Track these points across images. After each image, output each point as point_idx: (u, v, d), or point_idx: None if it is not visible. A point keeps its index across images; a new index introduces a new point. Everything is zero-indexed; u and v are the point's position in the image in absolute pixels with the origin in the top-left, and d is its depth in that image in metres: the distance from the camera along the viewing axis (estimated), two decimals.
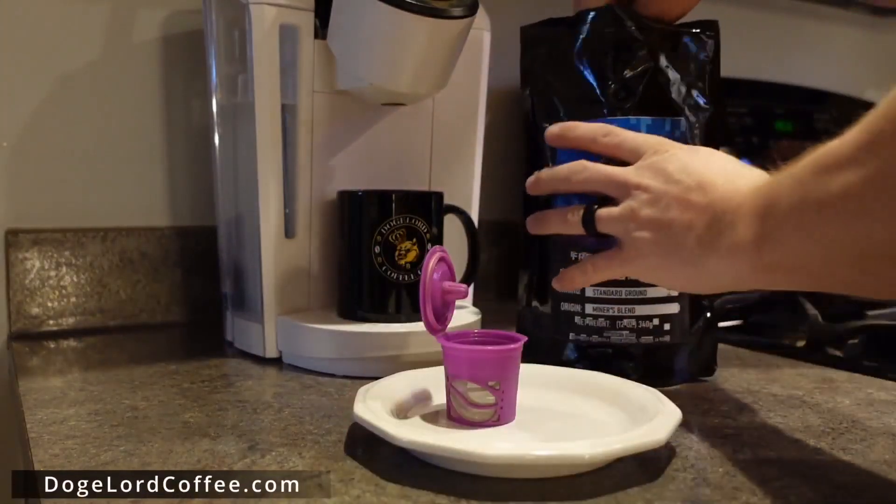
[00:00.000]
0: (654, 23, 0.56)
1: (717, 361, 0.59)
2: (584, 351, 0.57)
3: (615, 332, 0.56)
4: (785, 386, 0.57)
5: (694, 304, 0.57)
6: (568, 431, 0.44)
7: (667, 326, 0.56)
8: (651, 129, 0.54)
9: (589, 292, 0.56)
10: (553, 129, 0.54)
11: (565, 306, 0.58)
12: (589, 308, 0.56)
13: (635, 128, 0.54)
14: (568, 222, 0.52)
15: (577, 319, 0.57)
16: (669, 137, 0.53)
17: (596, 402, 0.48)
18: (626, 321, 0.55)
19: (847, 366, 0.62)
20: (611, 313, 0.56)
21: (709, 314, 0.58)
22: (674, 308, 0.56)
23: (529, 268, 0.62)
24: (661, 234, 0.46)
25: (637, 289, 0.55)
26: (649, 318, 0.55)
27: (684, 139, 0.55)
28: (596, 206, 0.50)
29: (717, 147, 0.58)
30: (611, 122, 0.54)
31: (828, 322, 0.71)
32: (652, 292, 0.55)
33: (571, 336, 0.57)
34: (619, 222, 0.49)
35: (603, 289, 0.55)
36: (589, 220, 0.51)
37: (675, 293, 0.56)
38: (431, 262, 0.47)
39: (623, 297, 0.55)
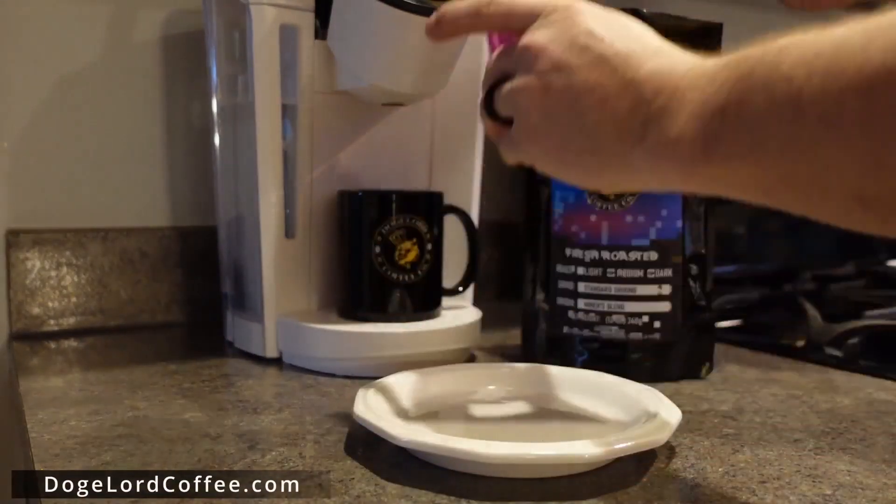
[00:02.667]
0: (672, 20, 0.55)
1: (713, 362, 0.59)
2: (577, 345, 0.58)
3: (605, 327, 0.57)
4: (785, 386, 0.57)
5: (688, 303, 0.57)
6: (568, 431, 0.44)
7: (657, 324, 0.56)
8: None
9: (581, 288, 0.58)
10: (430, 21, 0.44)
11: (560, 301, 0.59)
12: (581, 303, 0.58)
13: None
14: (482, 117, 0.43)
15: (570, 314, 0.58)
16: None
17: (596, 401, 0.48)
18: (615, 317, 0.57)
19: (847, 366, 0.62)
20: (601, 309, 0.57)
21: (707, 314, 0.58)
22: (664, 307, 0.57)
23: (532, 264, 0.63)
24: (562, 111, 0.36)
25: (626, 286, 0.56)
26: (638, 315, 0.56)
27: None
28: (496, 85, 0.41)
29: None
30: None
31: (828, 322, 0.71)
32: (641, 290, 0.56)
33: (565, 329, 0.59)
34: (510, 96, 0.39)
35: (594, 285, 0.57)
36: (489, 100, 0.41)
37: (665, 291, 0.56)
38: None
39: (612, 293, 0.57)
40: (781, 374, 0.60)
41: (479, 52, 0.69)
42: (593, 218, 0.57)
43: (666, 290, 0.56)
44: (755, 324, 0.80)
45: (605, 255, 0.57)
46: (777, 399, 0.53)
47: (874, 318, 0.75)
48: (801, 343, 0.72)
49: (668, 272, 0.56)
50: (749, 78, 0.28)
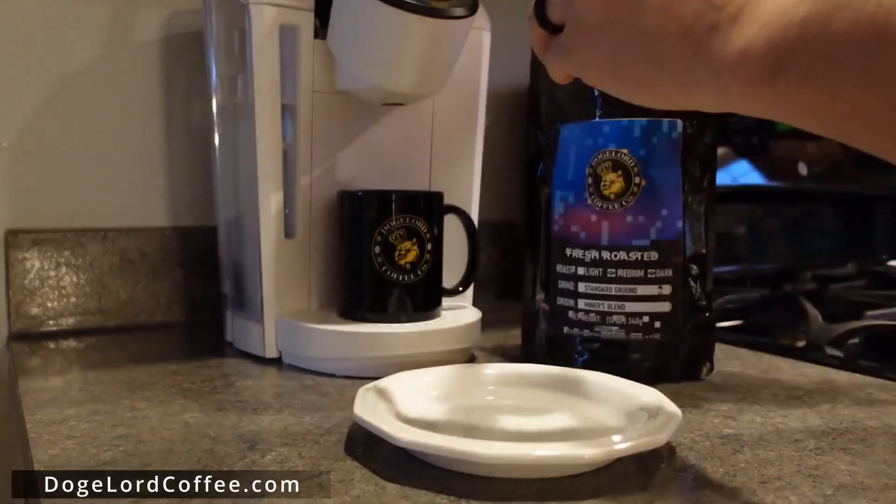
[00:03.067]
0: None
1: (713, 362, 0.59)
2: (577, 345, 0.58)
3: (605, 327, 0.57)
4: (785, 386, 0.57)
5: (688, 303, 0.57)
6: (568, 431, 0.44)
7: (657, 324, 0.56)
8: (646, 131, 0.55)
9: (581, 288, 0.57)
10: None
11: (560, 301, 0.59)
12: (581, 303, 0.58)
13: (627, 129, 0.55)
14: (531, 28, 0.40)
15: (570, 314, 0.58)
16: (667, 139, 0.53)
17: (596, 402, 0.48)
18: (615, 317, 0.57)
19: (847, 366, 0.62)
20: (601, 309, 0.57)
21: (707, 314, 0.58)
22: (664, 307, 0.56)
23: (532, 264, 0.63)
24: (622, 11, 0.33)
25: (626, 286, 0.56)
26: (639, 315, 0.56)
27: (681, 141, 0.55)
28: None
29: (715, 151, 0.58)
30: (602, 124, 0.55)
31: (828, 322, 0.71)
32: (642, 290, 0.56)
33: (565, 330, 0.59)
34: (563, 2, 0.36)
35: (594, 285, 0.57)
36: (541, 6, 0.38)
37: (666, 291, 0.56)
38: None
39: (613, 293, 0.56)
40: (781, 374, 0.60)
41: (479, 52, 0.69)
42: (593, 218, 0.57)
43: (666, 290, 0.56)
44: (755, 324, 0.80)
45: (606, 255, 0.57)
46: (777, 399, 0.53)
47: (874, 318, 0.75)
48: (801, 343, 0.72)
49: (668, 272, 0.56)
50: None
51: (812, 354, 0.66)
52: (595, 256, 0.57)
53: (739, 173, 1.02)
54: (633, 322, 0.56)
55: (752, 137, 1.04)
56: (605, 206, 0.57)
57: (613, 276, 0.56)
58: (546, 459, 0.37)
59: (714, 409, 0.50)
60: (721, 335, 0.73)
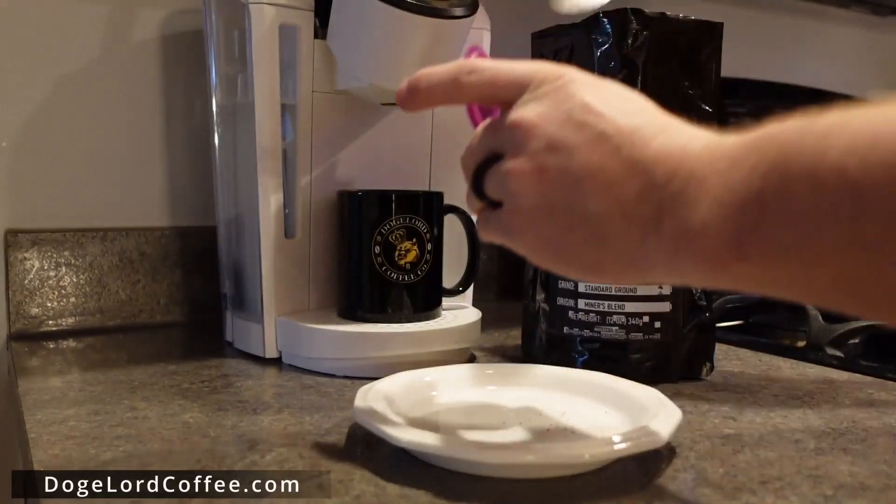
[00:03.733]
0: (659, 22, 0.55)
1: (713, 362, 0.59)
2: (578, 345, 0.58)
3: (605, 327, 0.57)
4: (785, 386, 0.57)
5: (688, 303, 0.57)
6: (568, 431, 0.44)
7: (657, 324, 0.57)
8: None
9: (581, 288, 0.58)
10: (401, 88, 0.38)
11: (560, 301, 0.59)
12: (581, 303, 0.58)
13: None
14: (468, 195, 0.38)
15: (571, 314, 0.58)
16: None
17: (596, 402, 0.48)
18: (615, 317, 0.57)
19: (847, 366, 0.62)
20: (601, 309, 0.57)
21: (707, 314, 0.58)
22: (665, 307, 0.57)
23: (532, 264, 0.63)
24: (560, 197, 0.31)
25: (627, 286, 0.56)
26: (639, 315, 0.56)
27: None
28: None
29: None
30: None
31: (828, 322, 0.71)
32: (642, 290, 0.56)
33: (565, 330, 0.59)
34: (500, 179, 0.34)
35: (594, 285, 0.57)
36: (478, 181, 0.36)
37: (666, 291, 0.56)
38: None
39: (613, 293, 0.57)
40: (781, 374, 0.60)
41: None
42: None
43: (666, 289, 0.56)
44: (755, 324, 0.80)
45: None
46: (777, 399, 0.53)
47: None
48: (801, 343, 0.72)
49: None
50: (785, 165, 0.25)
51: (812, 354, 0.66)
52: None
53: None
54: (634, 322, 0.57)
55: None
56: None
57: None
58: (546, 459, 0.37)
59: (714, 409, 0.50)
60: (721, 335, 0.73)
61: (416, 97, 0.38)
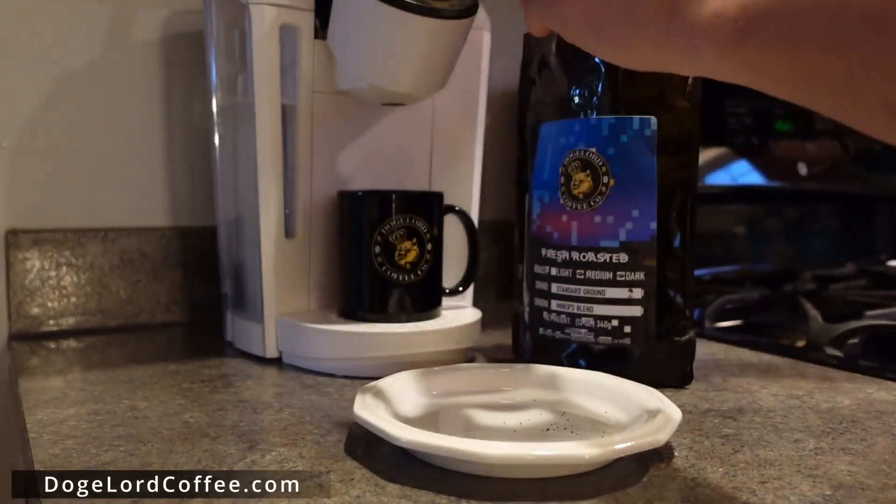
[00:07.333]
0: None
1: (692, 372, 0.56)
2: (555, 346, 0.57)
3: (574, 329, 0.56)
4: (785, 386, 0.57)
5: (663, 307, 0.55)
6: (568, 431, 0.44)
7: (627, 329, 0.54)
8: (614, 129, 0.54)
9: (554, 289, 0.57)
10: None
11: (537, 301, 0.58)
12: (553, 304, 0.57)
13: (596, 128, 0.54)
14: None
15: (545, 315, 0.57)
16: (638, 136, 0.53)
17: (596, 402, 0.48)
18: (584, 319, 0.55)
19: (847, 366, 0.62)
20: (571, 310, 0.56)
21: (685, 322, 0.55)
22: (635, 311, 0.54)
23: (520, 264, 0.63)
24: None
25: (595, 288, 0.55)
26: (608, 318, 0.55)
27: (656, 138, 0.54)
28: None
29: (697, 148, 0.57)
30: (573, 123, 0.55)
31: (828, 322, 0.71)
32: (611, 293, 0.54)
33: (541, 331, 0.58)
34: None
35: (565, 286, 0.56)
36: None
37: (637, 295, 0.54)
38: None
39: (581, 295, 0.55)
40: (781, 374, 0.60)
41: (479, 52, 0.69)
42: (564, 218, 0.56)
43: (637, 293, 0.54)
44: (755, 324, 0.80)
45: (575, 255, 0.55)
46: (777, 399, 0.53)
47: (874, 318, 0.75)
48: (801, 343, 0.72)
49: (639, 275, 0.54)
50: None
51: (812, 354, 0.66)
52: (566, 257, 0.56)
53: (739, 173, 1.01)
54: (602, 325, 0.55)
55: (752, 137, 1.04)
56: (574, 205, 0.55)
57: (582, 277, 0.55)
58: (546, 459, 0.37)
59: (714, 410, 0.50)
60: (721, 335, 0.73)
61: None
